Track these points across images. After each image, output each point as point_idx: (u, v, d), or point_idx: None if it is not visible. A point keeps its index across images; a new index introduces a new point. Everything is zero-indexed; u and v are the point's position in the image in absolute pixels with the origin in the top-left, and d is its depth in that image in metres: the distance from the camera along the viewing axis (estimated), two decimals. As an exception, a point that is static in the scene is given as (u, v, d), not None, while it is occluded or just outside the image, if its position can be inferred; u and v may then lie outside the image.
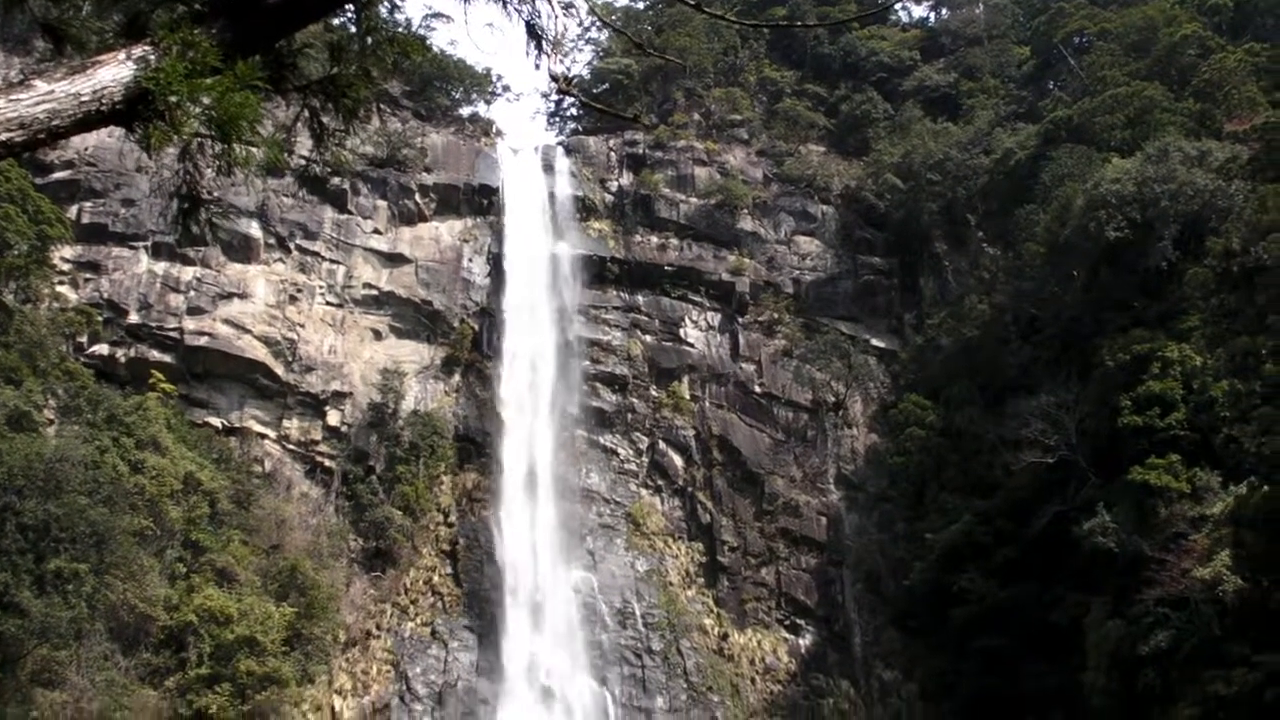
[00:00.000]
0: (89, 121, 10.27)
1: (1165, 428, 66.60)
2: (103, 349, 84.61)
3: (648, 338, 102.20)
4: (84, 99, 10.12)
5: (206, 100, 10.14)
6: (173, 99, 10.07)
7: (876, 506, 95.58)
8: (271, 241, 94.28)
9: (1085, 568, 68.17)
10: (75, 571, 65.69)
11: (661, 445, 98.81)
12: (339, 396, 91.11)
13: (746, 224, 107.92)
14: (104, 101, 10.21)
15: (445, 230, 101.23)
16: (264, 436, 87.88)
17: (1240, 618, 55.97)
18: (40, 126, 9.98)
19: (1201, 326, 66.70)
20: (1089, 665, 64.36)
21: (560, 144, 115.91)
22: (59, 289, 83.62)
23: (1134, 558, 63.13)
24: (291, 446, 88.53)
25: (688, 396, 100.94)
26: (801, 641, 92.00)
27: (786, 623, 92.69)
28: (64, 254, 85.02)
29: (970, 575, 76.61)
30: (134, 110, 10.29)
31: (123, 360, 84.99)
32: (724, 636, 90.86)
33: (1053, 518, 72.64)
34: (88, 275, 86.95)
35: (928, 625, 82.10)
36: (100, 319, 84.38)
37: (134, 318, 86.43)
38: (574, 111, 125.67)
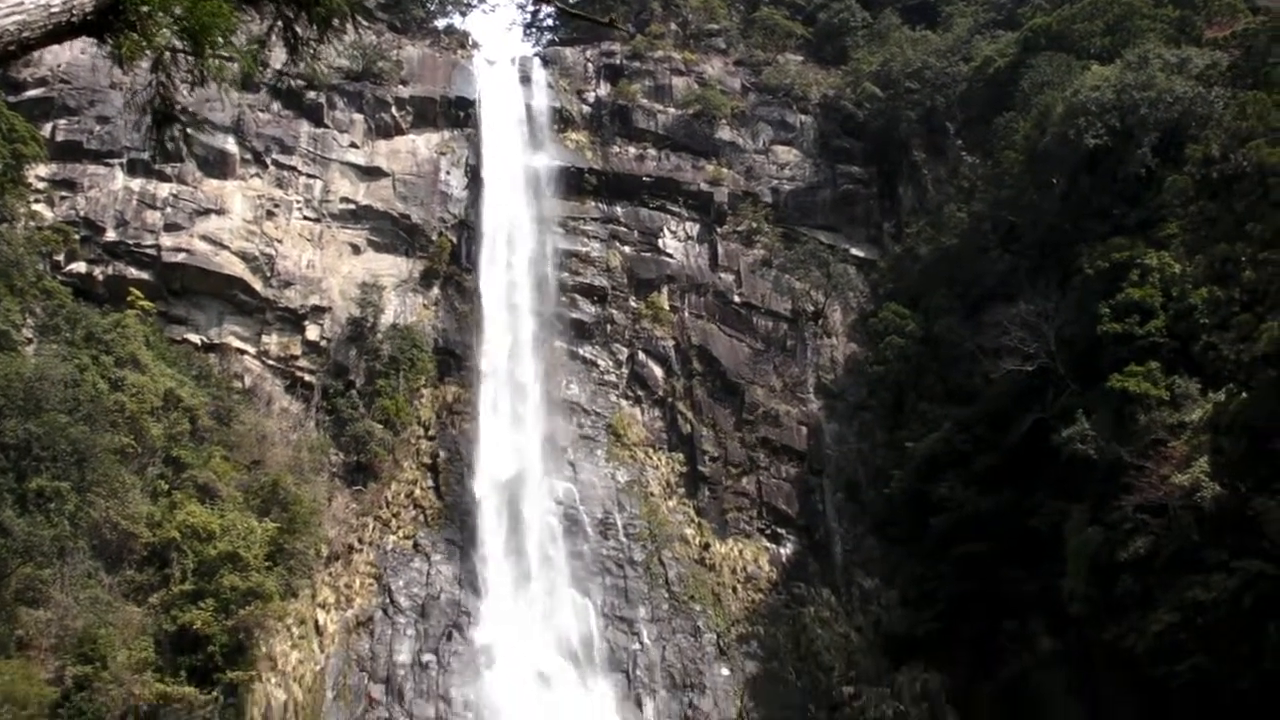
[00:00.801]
0: (59, 33, 10.13)
1: (1144, 335, 66.76)
2: (80, 267, 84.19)
3: (626, 249, 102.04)
4: (54, 10, 9.98)
5: (178, 10, 9.99)
6: (144, 8, 9.94)
7: (856, 415, 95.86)
8: (248, 157, 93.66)
9: (1064, 475, 68.49)
10: (57, 490, 65.69)
11: (641, 356, 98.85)
12: (318, 311, 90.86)
13: (725, 134, 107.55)
14: (74, 12, 10.07)
15: (422, 143, 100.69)
16: (243, 352, 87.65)
17: (1218, 524, 56.32)
18: (10, 39, 9.84)
19: (1181, 234, 66.65)
20: (1068, 571, 64.74)
21: (537, 55, 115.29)
22: (35, 207, 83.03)
23: (1113, 465, 63.41)
24: (271, 362, 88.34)
25: (667, 307, 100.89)
26: (782, 550, 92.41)
27: (767, 532, 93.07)
28: (39, 172, 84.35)
29: (950, 483, 76.99)
30: (105, 21, 10.15)
31: (100, 278, 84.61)
32: (705, 546, 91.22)
33: (1032, 425, 72.89)
34: (63, 193, 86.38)
35: (908, 533, 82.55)
36: (77, 237, 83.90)
37: (111, 235, 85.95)
38: (550, 22, 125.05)
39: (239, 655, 68.60)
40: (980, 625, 73.76)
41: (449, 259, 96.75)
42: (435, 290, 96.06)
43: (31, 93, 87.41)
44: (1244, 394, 55.70)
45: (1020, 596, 71.52)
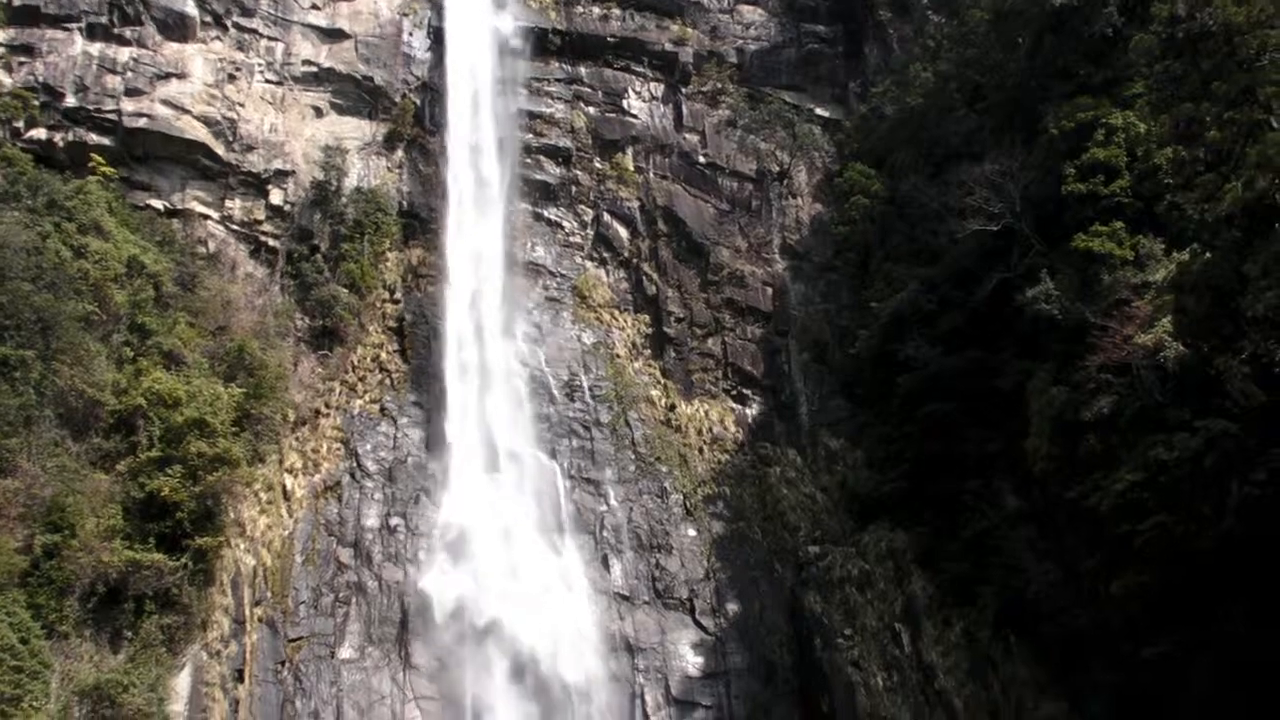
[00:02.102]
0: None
1: (1109, 195, 66.92)
2: (40, 133, 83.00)
3: (591, 110, 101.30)
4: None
5: None
6: None
7: (822, 276, 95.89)
8: (208, 19, 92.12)
9: (1029, 334, 68.88)
10: (22, 359, 65.33)
11: (606, 217, 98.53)
12: (281, 175, 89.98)
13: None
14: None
15: (384, 4, 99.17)
16: (207, 218, 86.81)
17: (1181, 383, 56.70)
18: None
19: (1146, 93, 66.33)
20: (1032, 431, 65.22)
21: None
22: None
23: (1077, 324, 63.71)
24: (235, 227, 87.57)
25: (632, 168, 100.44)
26: (748, 411, 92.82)
27: (733, 393, 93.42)
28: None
29: (915, 343, 77.30)
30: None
31: (61, 144, 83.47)
32: (671, 407, 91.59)
33: (997, 285, 73.15)
34: (21, 59, 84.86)
35: (873, 393, 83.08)
36: (36, 103, 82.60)
37: (71, 101, 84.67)
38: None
39: (207, 521, 68.61)
40: (945, 485, 74.27)
41: (412, 121, 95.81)
42: (399, 153, 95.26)
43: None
44: (1208, 254, 55.73)
45: (985, 456, 72.09)
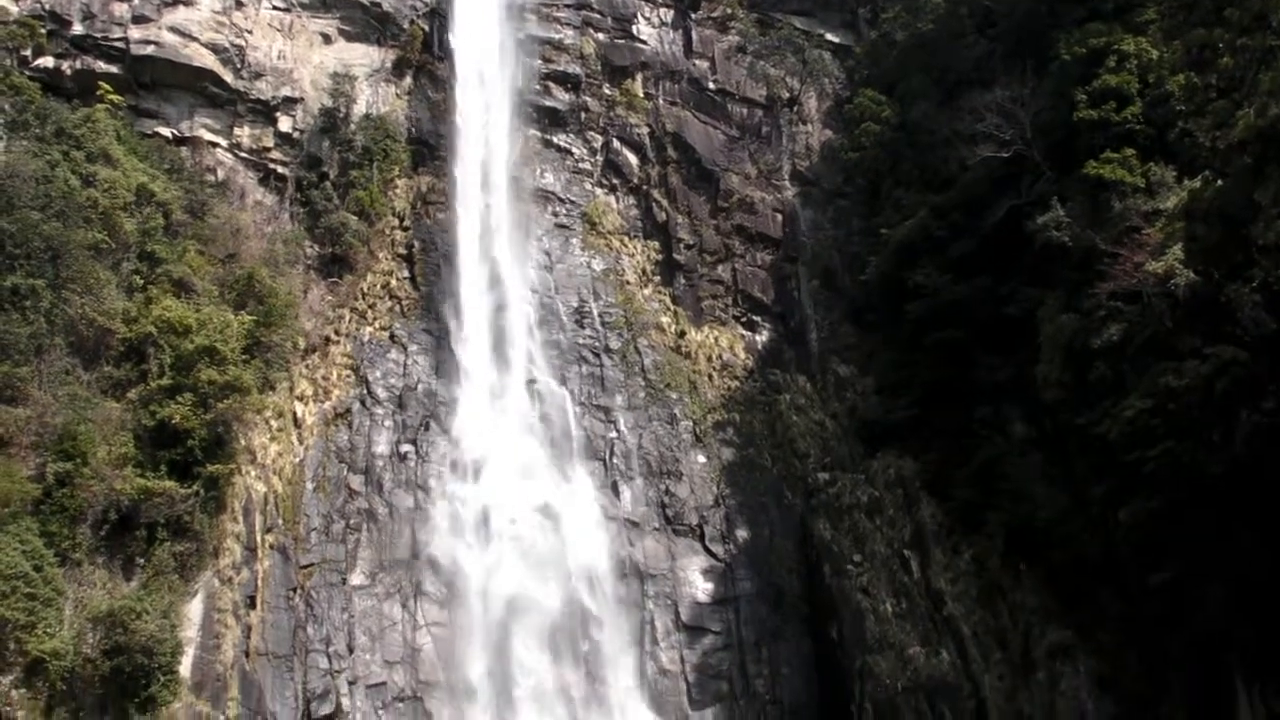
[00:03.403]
0: None
1: (1120, 122, 66.64)
2: (48, 62, 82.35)
3: (600, 35, 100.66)
4: None
5: None
6: None
7: (832, 202, 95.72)
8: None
9: (1039, 262, 68.75)
10: (32, 288, 65.32)
11: (616, 144, 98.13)
12: (290, 102, 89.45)
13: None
14: None
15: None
16: (215, 145, 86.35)
17: (1191, 311, 56.65)
18: None
19: (1158, 19, 65.72)
20: (1042, 358, 65.27)
21: None
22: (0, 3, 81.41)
23: (1087, 252, 63.66)
24: (243, 155, 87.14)
25: (641, 94, 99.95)
26: (758, 338, 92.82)
27: (743, 319, 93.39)
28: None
29: (925, 270, 77.19)
30: None
31: (69, 73, 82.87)
32: (681, 334, 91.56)
33: (1007, 212, 73.03)
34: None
35: (883, 320, 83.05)
36: (44, 31, 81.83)
37: (78, 29, 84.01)
38: None
39: (218, 449, 68.85)
40: (955, 412, 74.45)
41: (421, 48, 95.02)
42: (408, 80, 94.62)
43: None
44: (1219, 181, 55.55)
45: (994, 383, 72.15)
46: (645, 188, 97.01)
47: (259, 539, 72.00)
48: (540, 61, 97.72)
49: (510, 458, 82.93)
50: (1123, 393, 58.60)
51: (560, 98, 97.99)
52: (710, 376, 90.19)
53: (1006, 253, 72.19)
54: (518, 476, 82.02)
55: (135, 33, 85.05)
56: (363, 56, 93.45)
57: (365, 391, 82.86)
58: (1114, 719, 63.09)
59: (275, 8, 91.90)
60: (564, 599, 78.81)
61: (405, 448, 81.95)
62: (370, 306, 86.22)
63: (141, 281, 73.00)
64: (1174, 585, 56.57)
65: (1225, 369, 53.73)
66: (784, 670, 79.68)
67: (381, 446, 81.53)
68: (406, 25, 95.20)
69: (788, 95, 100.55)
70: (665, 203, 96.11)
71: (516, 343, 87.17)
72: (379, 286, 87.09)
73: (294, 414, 79.01)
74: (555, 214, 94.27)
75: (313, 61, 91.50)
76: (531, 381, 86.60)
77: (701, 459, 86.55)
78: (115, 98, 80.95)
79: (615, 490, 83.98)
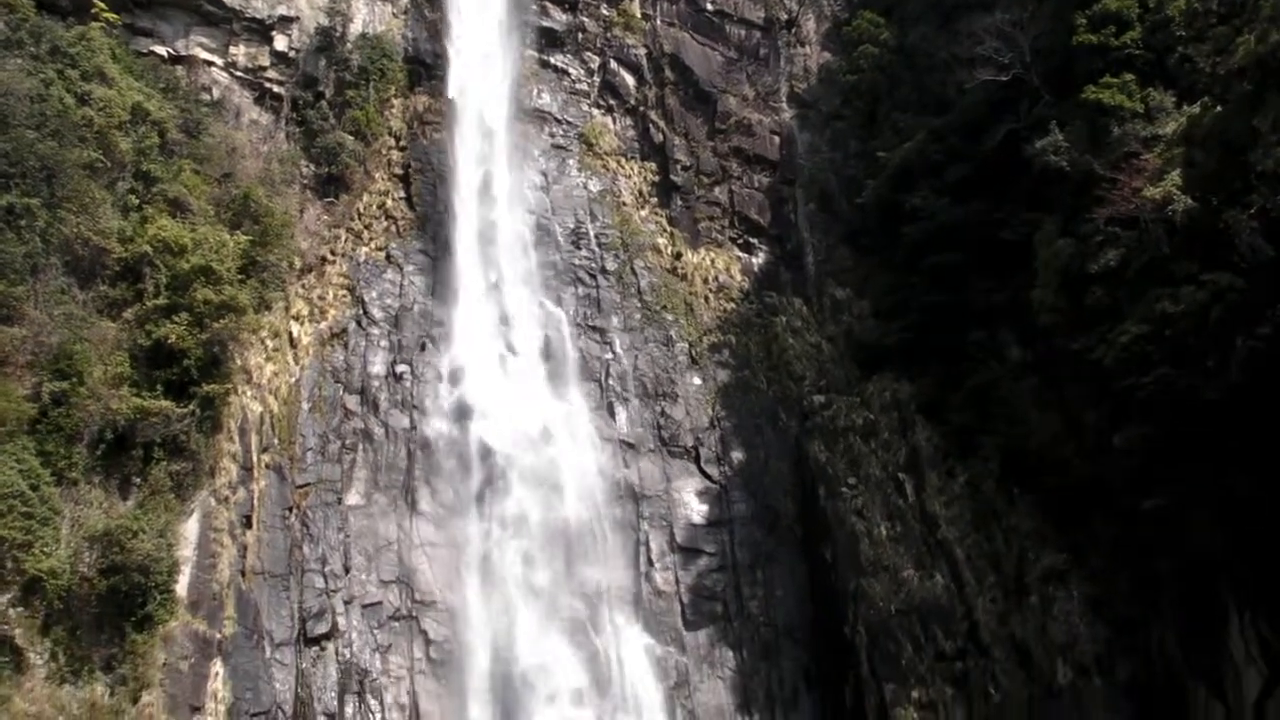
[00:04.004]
0: None
1: (1120, 46, 66.27)
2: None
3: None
4: None
5: None
6: None
7: (829, 125, 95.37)
8: None
9: (1037, 186, 68.64)
10: (27, 207, 64.95)
11: (613, 65, 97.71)
12: (285, 21, 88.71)
13: None
14: None
15: None
16: (211, 64, 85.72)
17: (1189, 237, 56.55)
18: None
19: (1160, -58, 65.63)
20: (1038, 283, 65.15)
21: None
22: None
23: (1085, 176, 63.46)
24: (239, 74, 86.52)
25: (639, 15, 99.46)
26: (754, 260, 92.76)
27: (739, 241, 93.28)
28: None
29: (922, 193, 77.21)
30: None
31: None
32: (677, 256, 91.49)
33: (1005, 136, 72.92)
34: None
35: (880, 243, 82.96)
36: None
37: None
38: None
39: (214, 368, 68.80)
40: (950, 335, 74.56)
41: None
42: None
43: None
44: (1218, 107, 55.42)
45: (990, 307, 72.17)
46: (642, 109, 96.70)
47: (255, 459, 72.14)
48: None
49: (506, 379, 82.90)
50: (1119, 318, 58.62)
51: (557, 18, 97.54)
52: (706, 298, 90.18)
53: (1004, 177, 72.08)
54: (514, 397, 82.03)
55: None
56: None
57: (361, 312, 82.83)
58: (1106, 643, 63.59)
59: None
60: (559, 520, 79.03)
61: (401, 368, 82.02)
62: (366, 227, 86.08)
63: (137, 201, 72.66)
64: (1166, 511, 56.79)
65: (1222, 295, 53.70)
66: (778, 592, 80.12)
67: (377, 367, 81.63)
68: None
69: (786, 17, 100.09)
70: (662, 124, 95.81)
71: (513, 263, 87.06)
72: (375, 207, 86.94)
73: (290, 334, 79.02)
74: (552, 135, 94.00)
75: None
76: (527, 302, 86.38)
77: (697, 381, 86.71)
78: (110, 15, 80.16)
79: (611, 411, 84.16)
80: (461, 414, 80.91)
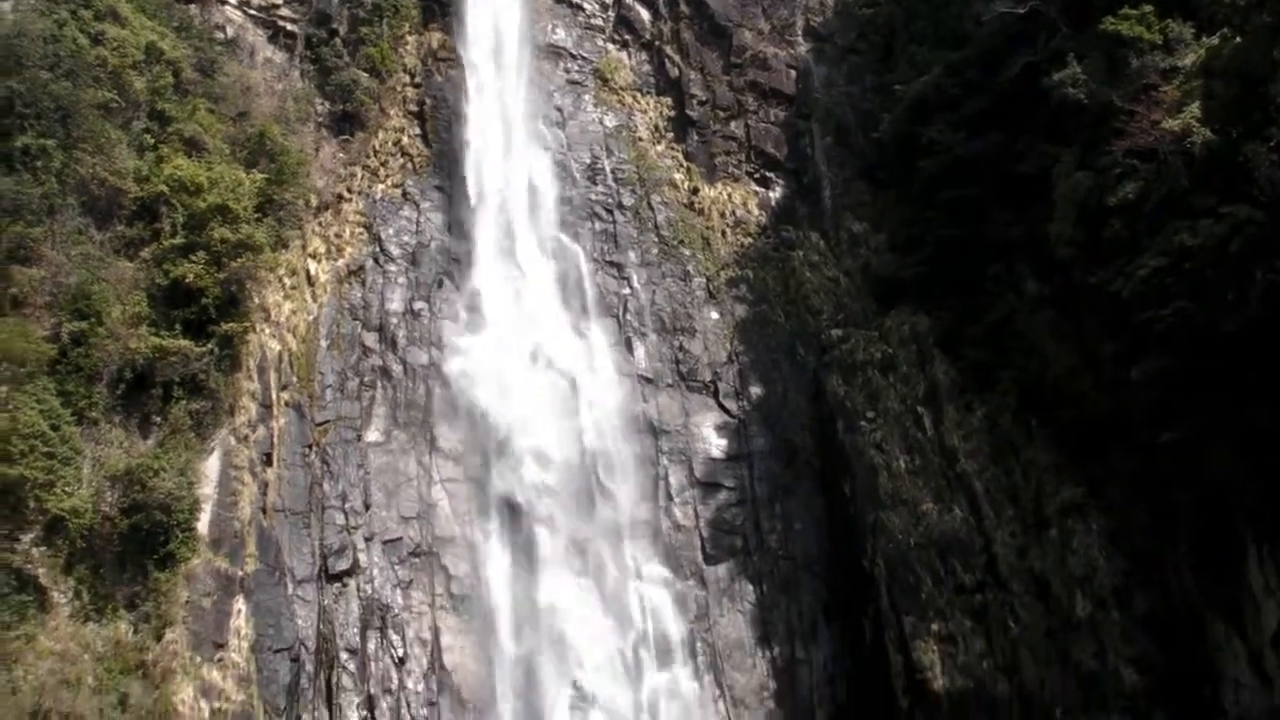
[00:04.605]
0: None
1: (1138, -23, 65.76)
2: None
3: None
4: None
5: None
6: None
7: (845, 59, 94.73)
8: None
9: (1054, 119, 68.25)
10: (43, 148, 64.94)
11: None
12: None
13: None
14: None
15: None
16: (224, 2, 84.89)
17: (1208, 169, 56.29)
18: None
19: None
20: (1056, 216, 64.89)
21: None
22: None
23: (1103, 109, 63.05)
24: (252, 12, 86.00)
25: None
26: (771, 194, 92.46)
27: (756, 176, 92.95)
28: None
29: (939, 127, 76.88)
30: None
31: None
32: (694, 191, 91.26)
33: (1022, 69, 72.40)
34: None
35: (896, 177, 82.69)
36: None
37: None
38: None
39: (232, 307, 68.93)
40: (968, 269, 74.48)
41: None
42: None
43: None
44: (1238, 38, 54.97)
45: (1008, 241, 72.00)
46: (657, 44, 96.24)
47: (274, 396, 72.32)
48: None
49: (524, 314, 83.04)
50: (1137, 251, 58.42)
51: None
52: (723, 233, 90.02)
53: (1021, 110, 71.68)
54: (531, 333, 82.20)
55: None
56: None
57: (378, 249, 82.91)
58: (1124, 575, 63.78)
59: None
60: (578, 454, 79.36)
61: (419, 305, 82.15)
62: (382, 164, 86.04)
63: (152, 140, 72.61)
64: (1185, 444, 56.83)
65: (1240, 228, 53.51)
66: (797, 525, 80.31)
67: (395, 304, 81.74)
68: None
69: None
70: (678, 59, 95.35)
71: (529, 200, 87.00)
72: (391, 144, 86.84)
73: (307, 272, 79.10)
74: (567, 70, 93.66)
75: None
76: (544, 238, 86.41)
77: (715, 315, 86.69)
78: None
79: (629, 346, 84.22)
80: (480, 349, 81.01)
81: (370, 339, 79.75)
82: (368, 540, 73.70)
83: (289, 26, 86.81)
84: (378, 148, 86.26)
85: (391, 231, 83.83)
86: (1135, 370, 58.70)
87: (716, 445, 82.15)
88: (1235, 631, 57.59)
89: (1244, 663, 57.13)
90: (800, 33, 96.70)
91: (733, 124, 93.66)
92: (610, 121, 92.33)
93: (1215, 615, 58.69)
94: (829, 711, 75.08)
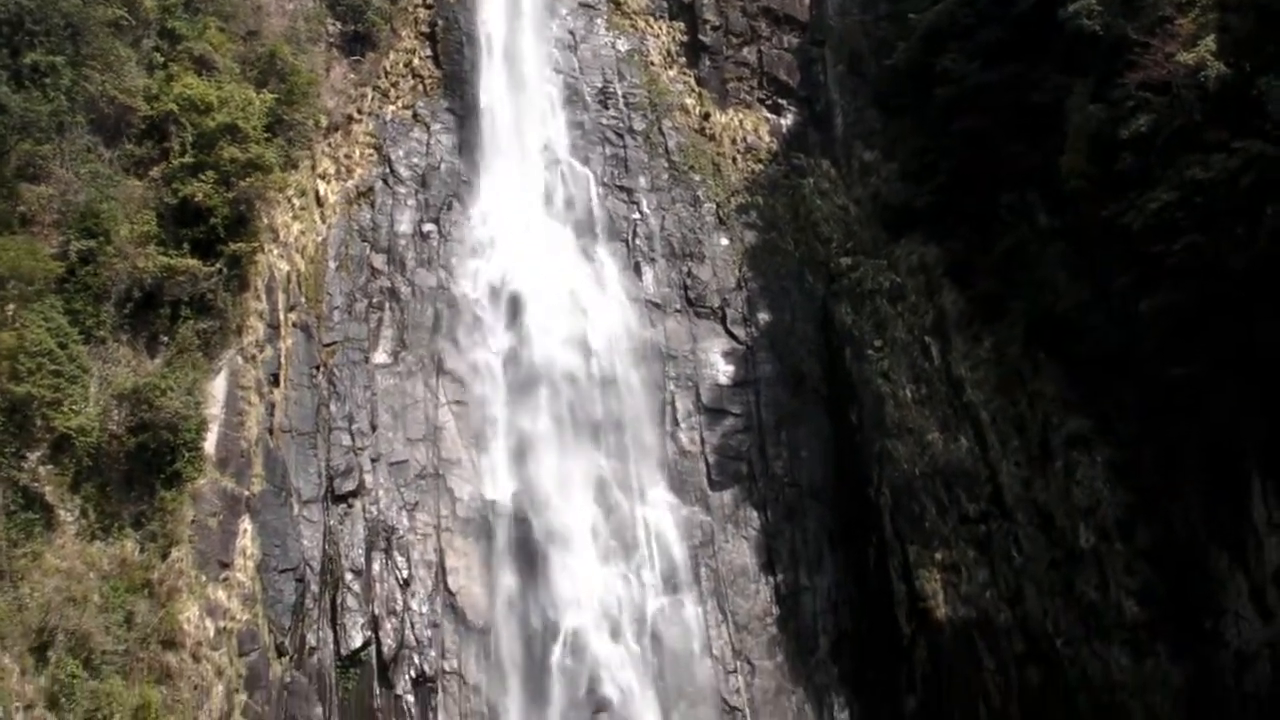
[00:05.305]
0: None
1: (1153, -95, 65.11)
2: None
3: None
4: None
5: None
6: None
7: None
8: None
9: (1069, 49, 67.65)
10: (52, 65, 64.78)
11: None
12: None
13: None
14: None
15: None
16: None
17: (1221, 103, 55.90)
18: None
19: None
20: (1068, 148, 64.54)
21: None
22: None
23: (1118, 41, 62.56)
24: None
25: None
26: (783, 121, 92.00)
27: (768, 103, 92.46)
28: None
29: (953, 56, 76.05)
30: None
31: None
32: (705, 116, 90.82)
33: (1037, -1, 71.89)
34: None
35: (909, 105, 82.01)
36: None
37: None
38: None
39: (241, 227, 68.89)
40: (979, 200, 74.03)
41: None
42: None
43: None
44: (1255, -29, 54.74)
45: (1020, 172, 71.46)
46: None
47: (282, 317, 72.41)
48: None
49: (533, 237, 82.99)
50: (1148, 185, 58.03)
51: None
52: (734, 159, 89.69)
53: (1036, 40, 71.02)
54: (541, 256, 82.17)
55: None
56: None
57: (388, 170, 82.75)
58: (1128, 508, 63.80)
59: None
60: (585, 379, 79.38)
61: (428, 227, 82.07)
62: (393, 85, 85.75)
63: (162, 59, 72.36)
64: (1192, 379, 56.91)
65: (1253, 163, 53.24)
66: (803, 453, 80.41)
67: (404, 225, 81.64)
68: None
69: None
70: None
71: (540, 124, 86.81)
72: (401, 65, 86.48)
73: (316, 193, 79.01)
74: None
75: None
76: (555, 162, 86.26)
77: (724, 241, 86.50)
78: None
79: (637, 271, 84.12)
80: (488, 272, 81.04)
81: (379, 260, 79.71)
82: (374, 462, 73.89)
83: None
84: (388, 69, 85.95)
85: (401, 153, 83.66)
86: (1145, 304, 58.60)
87: (724, 371, 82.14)
88: (1238, 566, 57.72)
89: (1245, 597, 57.30)
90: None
91: (745, 50, 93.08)
92: (622, 46, 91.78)
93: (1218, 549, 58.79)
94: (832, 638, 75.44)
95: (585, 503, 76.25)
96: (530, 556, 74.26)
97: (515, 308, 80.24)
